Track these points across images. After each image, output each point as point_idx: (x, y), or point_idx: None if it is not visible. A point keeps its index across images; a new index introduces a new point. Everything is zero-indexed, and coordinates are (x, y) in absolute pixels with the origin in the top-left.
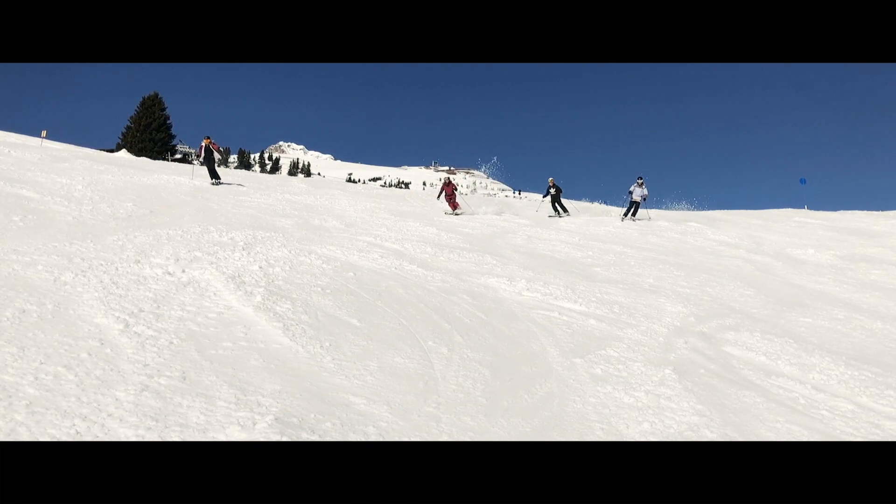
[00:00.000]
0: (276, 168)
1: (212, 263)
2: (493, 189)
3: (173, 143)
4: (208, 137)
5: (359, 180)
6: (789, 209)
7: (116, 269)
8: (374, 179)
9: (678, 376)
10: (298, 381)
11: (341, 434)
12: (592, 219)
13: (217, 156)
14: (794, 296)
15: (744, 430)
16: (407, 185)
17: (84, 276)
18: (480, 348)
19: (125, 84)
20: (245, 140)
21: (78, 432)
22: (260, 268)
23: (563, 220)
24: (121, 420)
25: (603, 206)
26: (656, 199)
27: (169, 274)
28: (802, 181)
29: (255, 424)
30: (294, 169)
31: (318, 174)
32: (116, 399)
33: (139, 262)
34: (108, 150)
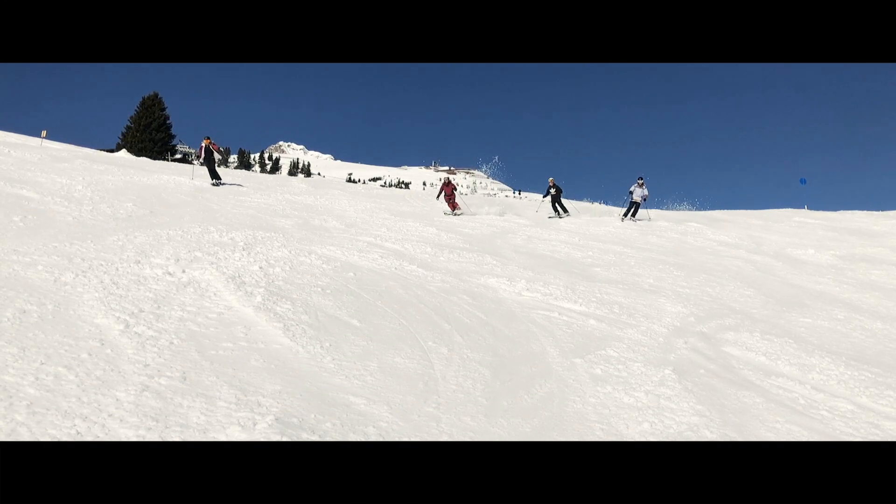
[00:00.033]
0: (276, 168)
1: (212, 264)
2: (492, 189)
3: (173, 143)
4: (208, 138)
5: (359, 180)
6: (789, 209)
7: (117, 269)
8: (374, 179)
9: (678, 376)
10: (299, 382)
11: (341, 434)
12: (592, 219)
13: (217, 156)
14: (793, 296)
15: (743, 431)
16: (407, 186)
17: (84, 277)
18: (480, 348)
19: (125, 84)
20: (245, 140)
21: (78, 433)
22: (260, 268)
23: (563, 221)
24: (121, 420)
25: (604, 207)
26: (657, 200)
27: (169, 274)
28: (802, 181)
29: (255, 425)
30: (294, 169)
31: (318, 174)
32: (117, 399)
33: (139, 262)
34: (108, 151)
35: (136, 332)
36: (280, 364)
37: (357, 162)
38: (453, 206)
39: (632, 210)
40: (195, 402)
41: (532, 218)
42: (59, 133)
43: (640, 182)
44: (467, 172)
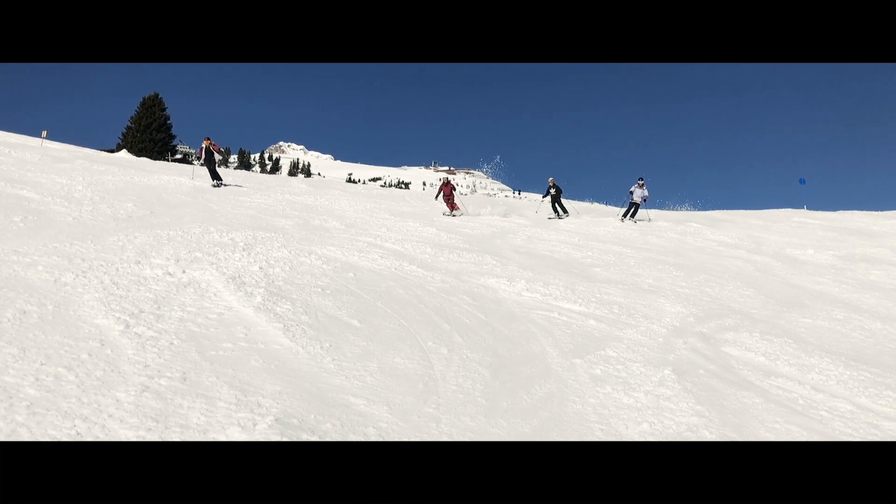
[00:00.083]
0: (276, 168)
1: (212, 264)
2: (492, 189)
3: (173, 143)
4: (208, 139)
5: (359, 180)
6: (789, 209)
7: (117, 269)
8: (374, 179)
9: (677, 377)
10: (298, 382)
11: (341, 435)
12: (592, 219)
13: (217, 157)
14: (793, 296)
15: (743, 431)
16: (407, 186)
17: (84, 277)
18: (480, 349)
19: (125, 84)
20: (245, 140)
21: (79, 433)
22: (260, 268)
23: (563, 221)
24: (121, 421)
25: (605, 208)
26: (658, 201)
27: (169, 274)
28: (802, 181)
29: (255, 425)
30: (294, 169)
31: (318, 174)
32: (117, 400)
33: (139, 262)
34: (108, 151)
35: (136, 333)
36: (280, 364)
37: (357, 162)
38: (452, 206)
39: (631, 210)
40: (195, 403)
41: (532, 218)
42: (59, 133)
43: (641, 183)
44: (467, 172)
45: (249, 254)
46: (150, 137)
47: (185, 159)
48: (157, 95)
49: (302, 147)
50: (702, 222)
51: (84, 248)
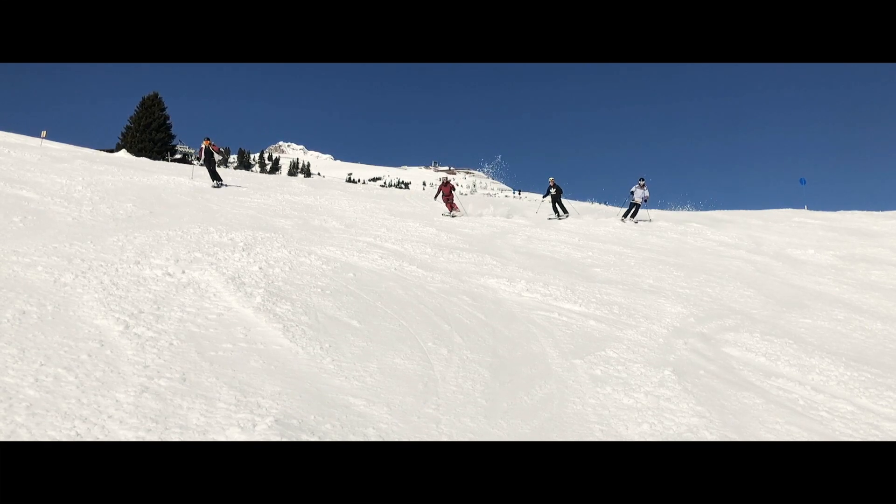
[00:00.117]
0: (275, 168)
1: (212, 264)
2: (492, 189)
3: (173, 143)
4: (208, 139)
5: (359, 180)
6: (789, 209)
7: (116, 270)
8: (374, 179)
9: (678, 377)
10: (298, 383)
11: (341, 435)
12: (592, 219)
13: (217, 157)
14: (793, 296)
15: (743, 432)
16: (407, 186)
17: (84, 278)
18: (480, 349)
19: (125, 84)
20: (245, 140)
21: (78, 434)
22: (260, 269)
23: (563, 221)
24: (121, 422)
25: (605, 208)
26: (659, 201)
27: (169, 275)
28: (802, 181)
29: (255, 426)
30: (294, 169)
31: (318, 174)
32: (117, 401)
33: (139, 263)
34: (107, 151)
35: (135, 333)
36: (280, 365)
37: (357, 162)
38: (451, 206)
39: (632, 211)
40: (195, 404)
41: (532, 218)
42: (59, 133)
43: (642, 183)
44: (467, 172)
45: (249, 254)
46: (150, 137)
47: (185, 159)
48: (156, 95)
49: (302, 147)
50: (702, 222)
51: (83, 249)
